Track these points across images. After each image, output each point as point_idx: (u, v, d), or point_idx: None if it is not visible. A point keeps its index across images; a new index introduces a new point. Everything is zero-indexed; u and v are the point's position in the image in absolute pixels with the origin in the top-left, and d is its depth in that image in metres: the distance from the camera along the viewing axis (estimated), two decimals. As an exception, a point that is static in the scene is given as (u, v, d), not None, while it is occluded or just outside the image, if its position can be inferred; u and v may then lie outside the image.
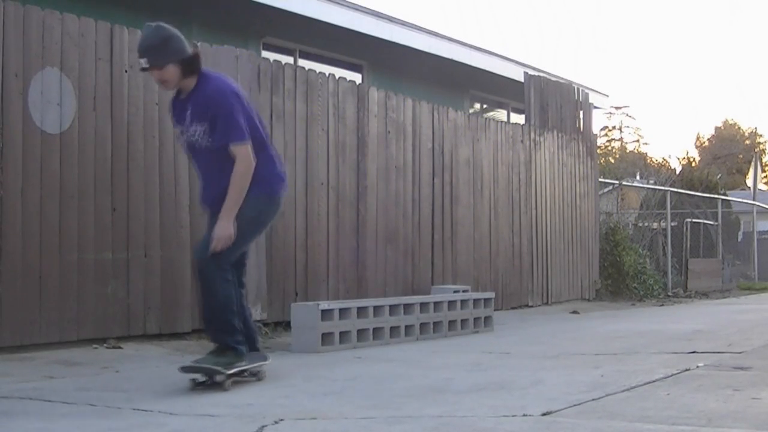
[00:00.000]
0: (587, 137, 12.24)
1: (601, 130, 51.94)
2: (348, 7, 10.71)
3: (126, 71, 6.18)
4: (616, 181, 16.21)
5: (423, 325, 7.08)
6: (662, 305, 12.46)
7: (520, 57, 14.59)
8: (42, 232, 5.62)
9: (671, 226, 15.79)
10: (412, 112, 8.83)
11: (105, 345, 5.85)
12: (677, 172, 23.52)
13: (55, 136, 5.73)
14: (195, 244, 4.86)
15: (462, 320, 7.51)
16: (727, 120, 59.43)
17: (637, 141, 56.63)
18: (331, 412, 3.64)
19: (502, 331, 7.77)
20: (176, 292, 6.42)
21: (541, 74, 12.19)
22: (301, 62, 10.42)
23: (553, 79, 12.18)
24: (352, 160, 8.02)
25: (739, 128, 58.29)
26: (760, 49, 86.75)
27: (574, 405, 3.65)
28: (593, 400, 3.78)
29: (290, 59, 10.34)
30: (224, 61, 6.91)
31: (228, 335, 4.55)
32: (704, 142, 57.50)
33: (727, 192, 23.80)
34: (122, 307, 6.06)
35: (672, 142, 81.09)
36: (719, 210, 18.16)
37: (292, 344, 6.23)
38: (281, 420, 3.41)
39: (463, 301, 7.59)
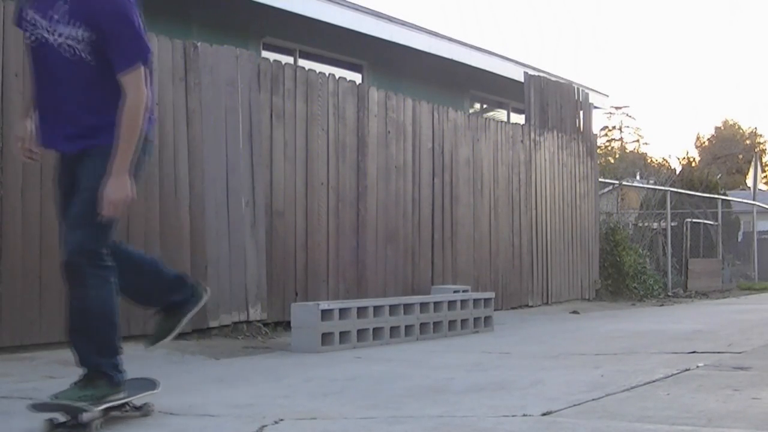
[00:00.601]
0: (587, 137, 12.24)
1: (601, 130, 51.95)
2: (348, 7, 10.70)
3: (126, 71, 6.17)
4: (616, 181, 16.21)
5: (423, 325, 7.08)
6: (662, 305, 12.46)
7: (520, 57, 14.61)
8: (42, 232, 5.62)
9: (671, 226, 15.78)
10: (412, 112, 8.83)
11: (105, 345, 5.84)
12: (677, 172, 23.50)
13: (55, 136, 5.72)
14: (63, 234, 3.69)
15: (462, 320, 7.51)
16: (727, 120, 59.44)
17: (637, 141, 56.65)
18: (331, 412, 3.63)
19: (502, 331, 7.77)
20: (176, 292, 6.41)
21: (541, 74, 12.19)
22: (301, 62, 10.42)
23: (553, 79, 12.17)
24: (352, 160, 8.02)
25: (739, 128, 58.29)
26: (760, 49, 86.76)
27: (574, 405, 3.65)
28: (593, 400, 3.77)
29: (290, 59, 10.34)
30: (224, 61, 6.92)
31: (102, 356, 3.54)
32: (704, 142, 57.50)
33: (727, 192, 23.79)
34: (122, 307, 6.04)
35: (672, 142, 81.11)
36: (719, 210, 18.16)
37: (292, 344, 6.23)
38: (281, 420, 3.41)
39: (463, 301, 7.59)
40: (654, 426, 3.16)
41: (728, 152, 50.23)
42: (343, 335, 6.32)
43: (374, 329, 6.60)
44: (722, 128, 58.35)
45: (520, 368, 5.07)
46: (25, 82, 5.58)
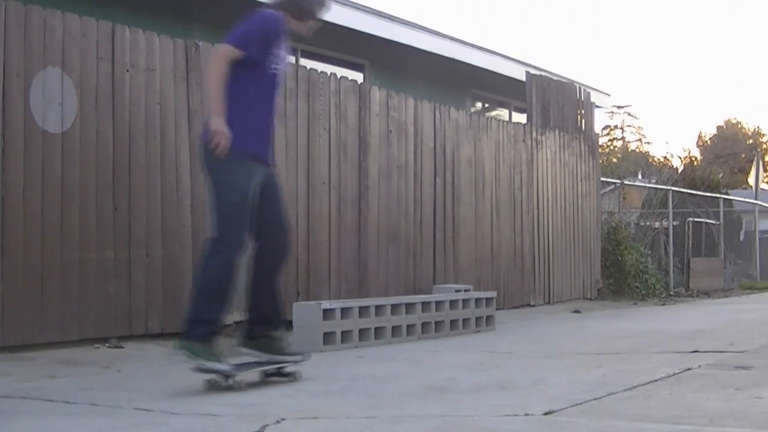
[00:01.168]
0: (589, 136, 12.23)
1: (603, 129, 51.91)
2: (350, 6, 10.70)
3: (127, 71, 6.19)
4: (618, 181, 16.20)
5: (425, 325, 7.08)
6: (664, 305, 12.45)
7: (521, 56, 14.59)
8: (43, 231, 5.63)
9: (673, 226, 15.78)
10: (414, 111, 8.83)
11: (107, 344, 5.86)
12: (679, 171, 23.47)
13: (57, 135, 5.73)
14: (272, 227, 4.65)
15: (464, 320, 7.50)
16: (729, 119, 59.40)
17: (639, 140, 56.60)
18: (333, 411, 3.63)
19: (503, 331, 7.77)
20: (178, 291, 6.41)
21: (543, 73, 12.19)
22: (303, 61, 10.42)
23: (555, 78, 12.17)
24: (353, 159, 8.02)
25: (742, 127, 58.25)
26: (762, 48, 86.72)
27: (576, 404, 3.64)
28: (595, 399, 3.77)
29: (291, 59, 10.33)
30: (226, 61, 6.91)
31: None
32: (706, 141, 57.46)
33: (729, 191, 23.78)
34: (124, 307, 6.06)
35: (674, 141, 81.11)
36: (721, 209, 18.15)
37: (294, 344, 6.22)
38: (283, 419, 3.41)
39: (465, 301, 7.59)
40: (656, 425, 3.16)
41: (730, 151, 50.18)
42: (345, 335, 6.31)
43: (376, 329, 6.60)
44: (724, 127, 58.31)
45: (522, 368, 5.07)
46: (27, 82, 5.59)
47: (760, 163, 24.57)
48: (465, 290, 8.08)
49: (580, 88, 12.26)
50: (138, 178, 6.21)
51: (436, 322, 7.19)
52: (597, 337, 7.03)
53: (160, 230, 6.34)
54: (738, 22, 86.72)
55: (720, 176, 23.80)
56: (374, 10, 11.18)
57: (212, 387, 4.18)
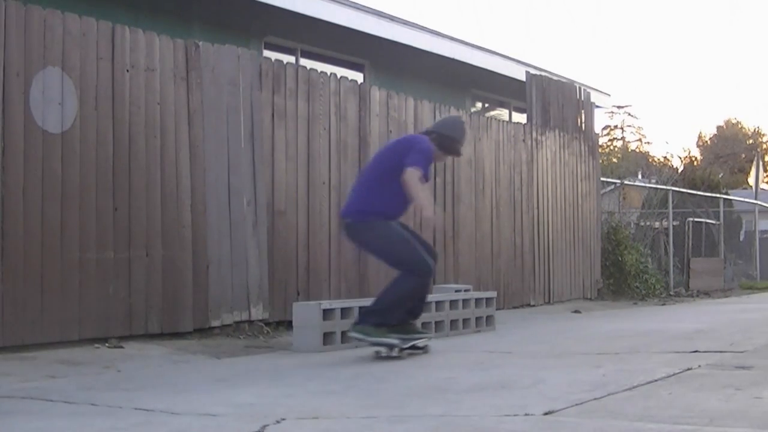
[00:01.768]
0: (589, 136, 12.24)
1: (603, 129, 51.90)
2: (350, 6, 10.70)
3: (127, 71, 6.19)
4: (618, 181, 16.20)
5: (425, 325, 7.06)
6: (664, 304, 12.46)
7: (521, 56, 14.58)
8: (43, 231, 5.63)
9: (673, 226, 15.78)
10: (414, 111, 8.83)
11: (106, 344, 5.86)
12: (679, 171, 23.47)
13: (57, 135, 5.73)
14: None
15: (464, 320, 7.50)
16: (729, 119, 59.40)
17: (639, 140, 56.60)
18: (333, 411, 3.63)
19: (503, 331, 7.77)
20: (178, 291, 6.42)
21: (543, 73, 12.19)
22: (303, 61, 10.42)
23: (555, 78, 12.17)
24: (353, 159, 8.02)
25: (742, 127, 58.26)
26: (763, 48, 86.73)
27: (576, 404, 3.64)
28: (595, 399, 3.77)
29: (292, 59, 10.34)
30: (226, 61, 6.92)
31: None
32: (706, 141, 57.47)
33: (729, 191, 23.78)
34: (124, 307, 6.06)
35: (674, 141, 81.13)
36: (721, 209, 18.15)
37: (294, 344, 6.23)
38: (283, 419, 3.41)
39: (465, 301, 7.59)
40: (656, 425, 3.16)
41: (730, 151, 50.20)
42: (345, 335, 6.31)
43: (376, 329, 6.58)
44: (724, 127, 58.31)
45: (522, 367, 5.07)
46: (27, 82, 5.59)
47: (760, 163, 24.58)
48: (465, 290, 8.07)
49: (580, 88, 12.26)
50: (138, 178, 6.21)
51: (436, 322, 7.18)
52: (597, 337, 7.02)
53: (160, 230, 6.34)
54: (738, 22, 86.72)
55: (720, 176, 23.80)
56: (374, 10, 11.19)
57: (380, 357, 5.58)
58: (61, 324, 5.69)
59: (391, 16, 11.51)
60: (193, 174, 6.60)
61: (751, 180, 24.64)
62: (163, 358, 5.71)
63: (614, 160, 34.37)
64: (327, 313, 6.20)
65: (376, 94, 8.38)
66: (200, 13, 9.43)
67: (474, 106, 14.12)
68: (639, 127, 58.85)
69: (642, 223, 16.02)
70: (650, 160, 36.94)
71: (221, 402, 3.89)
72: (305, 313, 6.24)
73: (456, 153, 6.23)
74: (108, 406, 3.81)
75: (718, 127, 58.69)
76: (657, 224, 16.35)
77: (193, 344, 6.26)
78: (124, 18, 7.10)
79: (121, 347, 5.86)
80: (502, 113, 14.56)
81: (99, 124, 5.99)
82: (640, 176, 24.51)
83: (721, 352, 5.60)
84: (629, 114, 55.61)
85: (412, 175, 5.56)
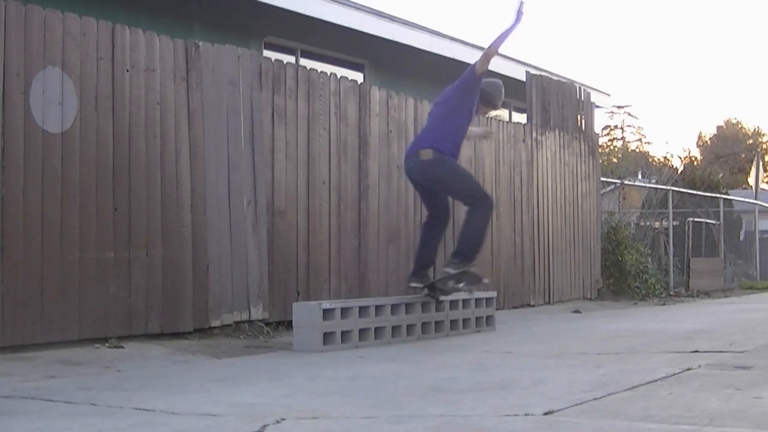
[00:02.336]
0: (589, 136, 12.23)
1: (603, 129, 51.92)
2: (350, 6, 10.70)
3: (127, 71, 6.19)
4: (618, 181, 16.20)
5: (425, 325, 7.08)
6: (664, 304, 12.46)
7: (521, 56, 14.54)
8: (43, 231, 5.63)
9: (673, 226, 15.78)
10: (414, 111, 8.83)
11: (106, 344, 5.86)
12: (679, 171, 23.48)
13: (57, 135, 5.73)
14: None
15: (464, 320, 7.50)
16: (729, 119, 59.41)
17: (639, 140, 56.60)
18: (333, 411, 3.63)
19: (503, 331, 7.76)
20: (178, 291, 6.42)
21: (543, 73, 12.19)
22: (303, 61, 10.43)
23: (555, 78, 12.17)
24: (353, 159, 8.02)
25: (742, 127, 58.26)
26: (763, 48, 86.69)
27: (576, 404, 3.64)
28: (595, 399, 3.77)
29: (292, 58, 10.34)
30: (226, 61, 6.92)
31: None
32: (706, 141, 57.47)
33: (729, 191, 23.79)
34: (124, 307, 6.06)
35: (674, 141, 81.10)
36: (721, 209, 18.15)
37: (294, 344, 6.23)
38: (283, 419, 3.41)
39: (465, 301, 7.58)
40: (656, 425, 3.16)
41: (730, 151, 50.21)
42: (345, 335, 6.31)
43: (376, 329, 6.60)
44: (724, 127, 58.33)
45: (522, 367, 5.07)
46: (27, 82, 5.59)
47: (760, 163, 24.58)
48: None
49: (580, 88, 12.25)
50: (138, 178, 6.21)
51: (436, 322, 7.18)
52: (597, 337, 7.02)
53: (160, 230, 6.34)
54: (738, 22, 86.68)
55: (720, 176, 23.81)
56: (374, 10, 11.19)
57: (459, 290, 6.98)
58: (61, 324, 5.69)
59: (391, 16, 11.52)
60: (193, 174, 6.60)
61: (751, 180, 24.65)
62: (163, 358, 5.71)
63: (614, 160, 34.38)
64: (327, 313, 6.19)
65: (376, 94, 8.38)
66: (200, 13, 9.43)
67: (474, 106, 14.10)
68: (639, 127, 58.88)
69: (642, 223, 16.03)
70: (650, 160, 36.92)
71: (221, 402, 3.89)
72: (305, 313, 6.23)
73: (493, 106, 7.36)
74: (108, 406, 3.81)
75: (718, 127, 58.72)
76: (657, 224, 16.36)
77: (193, 344, 6.26)
78: (124, 18, 7.09)
79: (121, 347, 5.86)
80: (502, 113, 14.56)
81: (99, 124, 5.99)
82: (640, 176, 24.52)
83: (721, 352, 5.60)
84: (629, 114, 55.64)
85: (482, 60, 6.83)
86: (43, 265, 5.61)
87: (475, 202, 6.82)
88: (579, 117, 12.01)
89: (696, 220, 16.87)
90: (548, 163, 11.06)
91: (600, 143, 16.40)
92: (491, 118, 10.86)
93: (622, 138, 55.85)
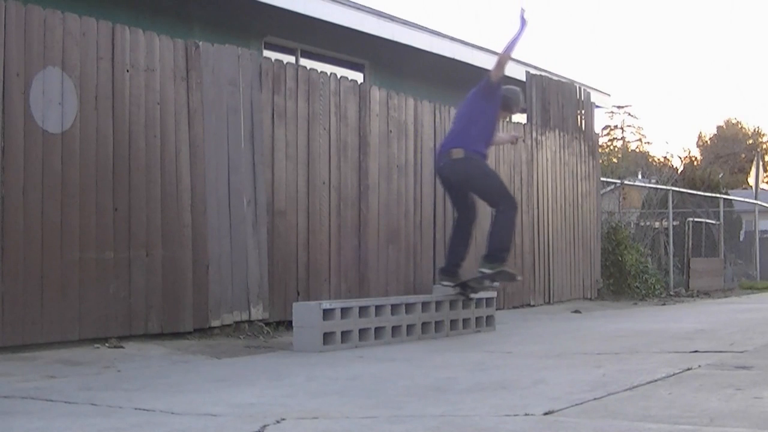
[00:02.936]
0: (589, 136, 12.23)
1: (603, 129, 51.91)
2: (350, 6, 10.70)
3: (127, 71, 6.19)
4: (618, 181, 16.20)
5: (425, 325, 7.08)
6: (664, 304, 12.46)
7: (521, 56, 14.54)
8: (43, 231, 5.63)
9: (673, 226, 15.78)
10: (414, 111, 8.83)
11: (106, 344, 5.86)
12: (679, 171, 23.47)
13: (57, 135, 5.73)
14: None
15: (464, 320, 7.50)
16: (729, 119, 59.40)
17: (639, 140, 56.58)
18: (333, 411, 3.63)
19: (503, 331, 7.76)
20: (178, 291, 6.42)
21: (543, 73, 12.19)
22: (303, 61, 10.43)
23: (555, 78, 12.17)
24: (353, 159, 8.02)
25: (742, 127, 58.25)
26: (763, 48, 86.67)
27: (576, 404, 3.64)
28: (595, 399, 3.77)
29: (292, 59, 10.34)
30: (226, 61, 6.92)
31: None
32: (706, 141, 57.46)
33: (729, 191, 23.78)
34: (124, 307, 6.06)
35: (674, 141, 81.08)
36: (721, 209, 18.15)
37: (294, 344, 6.23)
38: (283, 419, 3.41)
39: (465, 301, 7.58)
40: (656, 425, 3.16)
41: (730, 151, 50.20)
42: (345, 335, 6.31)
43: (376, 329, 6.60)
44: (724, 127, 58.33)
45: (522, 367, 5.07)
46: (27, 82, 5.59)
47: (760, 163, 24.57)
48: (465, 290, 8.06)
49: (580, 88, 12.25)
50: (138, 178, 6.21)
51: (436, 322, 7.18)
52: (597, 337, 7.02)
53: (160, 230, 6.34)
54: (738, 22, 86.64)
55: (720, 176, 23.80)
56: (374, 10, 11.19)
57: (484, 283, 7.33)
58: (61, 324, 5.69)
59: (391, 16, 11.51)
60: (193, 174, 6.60)
61: (751, 180, 24.64)
62: (163, 358, 5.71)
63: (614, 160, 34.37)
64: (327, 313, 6.19)
65: (376, 94, 8.38)
66: (200, 13, 9.43)
67: (474, 106, 14.10)
68: (639, 127, 58.85)
69: (642, 223, 16.02)
70: (650, 160, 36.92)
71: (221, 402, 3.89)
72: (305, 313, 6.23)
73: (510, 110, 7.71)
74: (108, 406, 3.81)
75: (718, 127, 58.71)
76: (657, 224, 16.35)
77: (193, 344, 6.26)
78: (124, 18, 7.09)
79: (121, 347, 5.86)
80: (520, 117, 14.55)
81: (99, 123, 5.99)
82: (640, 176, 24.51)
83: (721, 352, 5.60)
84: (629, 114, 55.63)
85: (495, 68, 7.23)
86: (43, 265, 5.61)
87: (501, 202, 7.14)
88: (579, 117, 12.01)
89: (696, 220, 16.87)
90: (548, 163, 11.06)
91: (600, 143, 16.39)
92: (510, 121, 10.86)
93: (622, 138, 55.85)
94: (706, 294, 15.11)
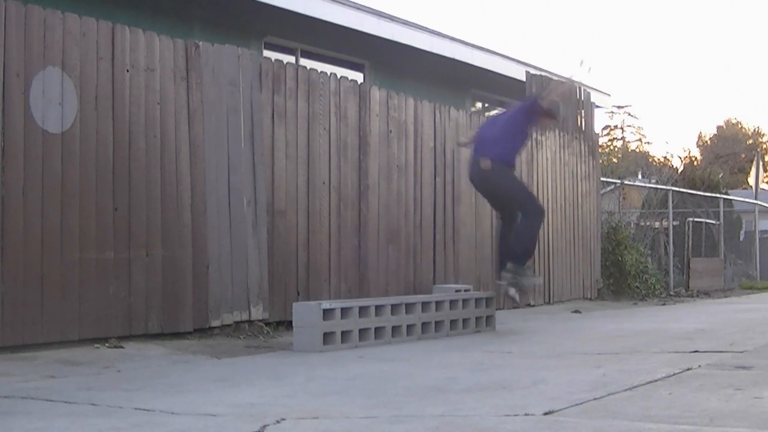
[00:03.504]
0: (589, 136, 12.23)
1: (603, 129, 51.87)
2: (350, 6, 10.70)
3: (127, 71, 6.19)
4: (618, 181, 16.20)
5: (425, 325, 7.08)
6: (664, 304, 12.45)
7: (521, 56, 14.59)
8: (43, 231, 5.63)
9: (673, 226, 15.77)
10: (414, 111, 8.83)
11: (106, 344, 5.86)
12: (679, 171, 23.46)
13: (57, 135, 5.73)
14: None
15: (464, 319, 7.50)
16: (729, 119, 59.40)
17: (639, 140, 56.56)
18: (333, 411, 3.63)
19: (503, 331, 7.76)
20: (178, 291, 6.42)
21: (543, 73, 12.19)
22: (303, 61, 10.42)
23: (555, 78, 12.16)
24: (353, 159, 8.02)
25: (742, 127, 58.24)
26: (763, 48, 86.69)
27: (576, 404, 3.64)
28: (595, 399, 3.77)
29: (292, 58, 10.34)
30: (226, 61, 6.92)
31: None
32: (706, 141, 57.45)
33: (729, 191, 23.77)
34: (124, 307, 6.06)
35: (674, 141, 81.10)
36: (721, 209, 18.14)
37: (294, 344, 6.23)
38: (283, 419, 3.41)
39: (465, 301, 7.58)
40: (656, 425, 3.16)
41: (730, 151, 50.19)
42: (345, 335, 6.31)
43: (376, 329, 6.59)
44: (724, 127, 58.31)
45: (522, 367, 5.07)
46: (27, 82, 5.59)
47: (760, 163, 24.58)
48: (465, 290, 8.07)
49: (580, 88, 12.25)
50: (138, 178, 6.21)
51: (436, 322, 7.18)
52: (597, 337, 7.02)
53: (160, 230, 6.34)
54: (738, 22, 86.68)
55: (720, 176, 23.79)
56: (374, 10, 11.19)
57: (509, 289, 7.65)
58: (61, 324, 5.69)
59: (391, 16, 11.51)
60: (193, 174, 6.60)
61: (751, 180, 24.64)
62: (163, 358, 5.71)
63: (614, 160, 34.34)
64: (327, 313, 6.19)
65: (376, 94, 8.38)
66: (200, 13, 9.43)
67: (474, 106, 14.13)
68: (639, 127, 58.80)
69: (642, 223, 16.02)
70: (650, 160, 36.90)
71: (221, 402, 3.88)
72: (305, 313, 6.23)
73: (554, 119, 8.24)
74: (108, 406, 3.81)
75: (718, 127, 58.69)
76: (657, 224, 16.35)
77: (193, 344, 6.26)
78: (124, 18, 7.09)
79: (121, 347, 5.86)
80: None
81: (99, 124, 5.99)
82: (640, 176, 24.50)
83: (721, 352, 5.60)
84: (629, 114, 55.58)
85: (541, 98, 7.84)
86: (43, 265, 5.61)
87: (526, 210, 7.57)
88: (579, 117, 12.01)
89: (696, 220, 16.86)
90: (548, 163, 11.06)
91: (600, 143, 16.39)
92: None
93: (622, 138, 55.81)
94: (706, 294, 15.11)
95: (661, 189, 16.71)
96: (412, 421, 3.37)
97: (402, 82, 11.46)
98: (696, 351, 5.65)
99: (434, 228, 8.96)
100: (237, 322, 6.84)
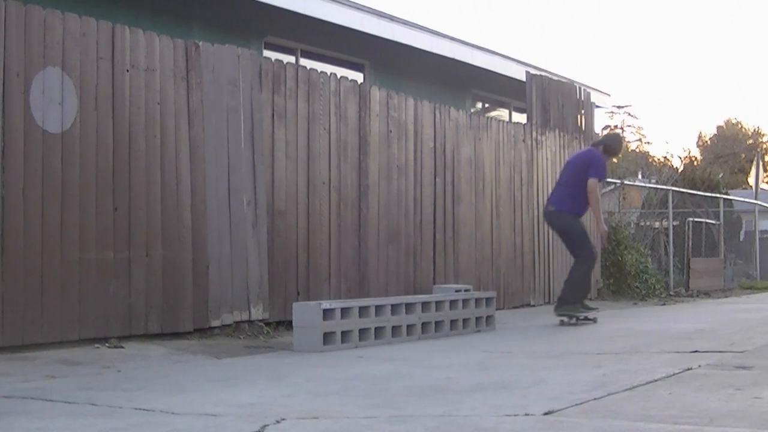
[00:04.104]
0: (589, 136, 12.22)
1: (603, 129, 51.75)
2: (350, 6, 10.70)
3: (127, 71, 6.19)
4: (618, 181, 16.19)
5: (425, 325, 7.08)
6: (664, 304, 12.45)
7: (521, 56, 14.56)
8: (44, 231, 5.63)
9: (673, 226, 15.77)
10: (414, 111, 8.83)
11: (106, 344, 5.86)
12: (679, 171, 23.44)
13: (57, 135, 5.73)
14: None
15: (464, 320, 7.50)
16: (729, 119, 59.37)
17: (639, 140, 56.51)
18: (333, 411, 3.63)
19: (503, 331, 7.77)
20: (178, 291, 6.42)
21: (543, 73, 12.18)
22: (303, 61, 10.42)
23: (555, 78, 12.17)
24: (353, 159, 8.02)
25: (742, 127, 58.21)
26: (763, 48, 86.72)
27: (576, 404, 3.64)
28: (595, 399, 3.77)
29: (292, 58, 10.34)
30: (226, 61, 6.92)
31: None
32: (706, 141, 57.43)
33: (729, 191, 23.76)
34: (124, 307, 6.06)
35: (674, 141, 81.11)
36: (721, 209, 18.14)
37: (294, 344, 6.23)
38: (283, 419, 3.41)
39: (465, 301, 7.59)
40: (656, 425, 3.16)
41: (730, 151, 50.16)
42: (345, 335, 6.31)
43: (376, 329, 6.60)
44: (724, 127, 58.27)
45: (522, 367, 5.07)
46: (27, 82, 5.59)
47: (760, 163, 24.57)
48: (465, 290, 8.07)
49: (580, 88, 12.25)
50: (138, 178, 6.21)
51: (436, 322, 7.18)
52: (597, 337, 7.03)
53: (160, 230, 6.34)
54: (738, 22, 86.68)
55: (720, 176, 23.78)
56: (374, 10, 11.18)
57: (565, 324, 8.20)
58: (61, 324, 5.69)
59: (391, 16, 11.51)
60: (193, 174, 6.60)
61: (751, 180, 24.63)
62: (163, 358, 5.71)
63: (614, 160, 34.31)
64: (327, 313, 6.20)
65: (376, 94, 8.38)
66: (200, 13, 9.42)
67: (474, 106, 14.12)
68: (639, 127, 58.73)
69: (642, 223, 16.00)
70: (650, 160, 36.88)
71: (221, 402, 3.89)
72: (305, 313, 6.24)
73: (614, 155, 9.13)
74: (108, 406, 3.81)
75: (718, 127, 58.63)
76: (657, 224, 16.34)
77: (193, 344, 6.26)
78: (124, 18, 7.09)
79: (121, 347, 5.86)
80: (502, 113, 14.56)
81: (99, 124, 5.99)
82: (640, 176, 24.48)
83: (721, 352, 5.61)
84: (629, 114, 55.45)
85: (593, 184, 8.23)
86: (43, 265, 5.61)
87: (580, 256, 8.39)
88: (579, 117, 12.01)
89: (696, 220, 16.85)
90: (548, 163, 11.06)
91: (600, 143, 16.27)
92: (491, 117, 10.88)
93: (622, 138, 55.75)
94: (706, 294, 15.10)
95: (661, 189, 16.70)
96: (412, 421, 3.37)
97: (402, 82, 11.46)
98: (696, 351, 5.65)
99: (434, 228, 8.97)
100: (237, 322, 6.84)
